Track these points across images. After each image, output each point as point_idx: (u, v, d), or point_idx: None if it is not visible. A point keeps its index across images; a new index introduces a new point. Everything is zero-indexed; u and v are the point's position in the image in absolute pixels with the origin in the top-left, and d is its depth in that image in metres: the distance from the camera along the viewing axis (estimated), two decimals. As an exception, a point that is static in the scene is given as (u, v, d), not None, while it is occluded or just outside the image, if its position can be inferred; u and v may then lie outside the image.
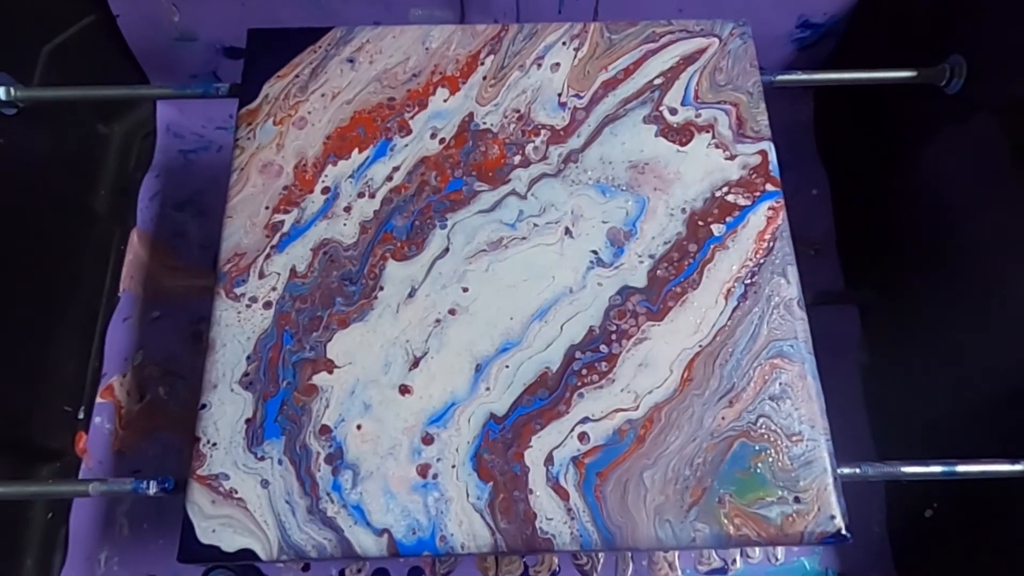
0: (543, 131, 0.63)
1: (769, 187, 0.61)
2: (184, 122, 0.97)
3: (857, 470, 0.55)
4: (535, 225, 0.59)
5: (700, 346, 0.55)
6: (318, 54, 0.65)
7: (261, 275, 0.58)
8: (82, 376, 0.84)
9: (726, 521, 0.51)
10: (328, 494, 0.51)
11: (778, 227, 0.59)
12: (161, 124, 0.96)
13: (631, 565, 0.76)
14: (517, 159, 0.62)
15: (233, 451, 0.52)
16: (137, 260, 0.90)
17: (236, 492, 0.51)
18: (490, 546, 0.50)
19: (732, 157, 0.62)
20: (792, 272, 0.58)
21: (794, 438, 0.53)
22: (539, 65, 0.65)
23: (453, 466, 0.52)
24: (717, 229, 0.59)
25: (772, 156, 0.62)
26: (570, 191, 0.61)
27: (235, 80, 0.66)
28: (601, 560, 0.77)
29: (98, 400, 0.83)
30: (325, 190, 0.60)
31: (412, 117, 0.63)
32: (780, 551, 0.77)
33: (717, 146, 0.62)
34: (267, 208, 0.60)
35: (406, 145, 0.62)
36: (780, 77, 0.69)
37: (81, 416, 0.82)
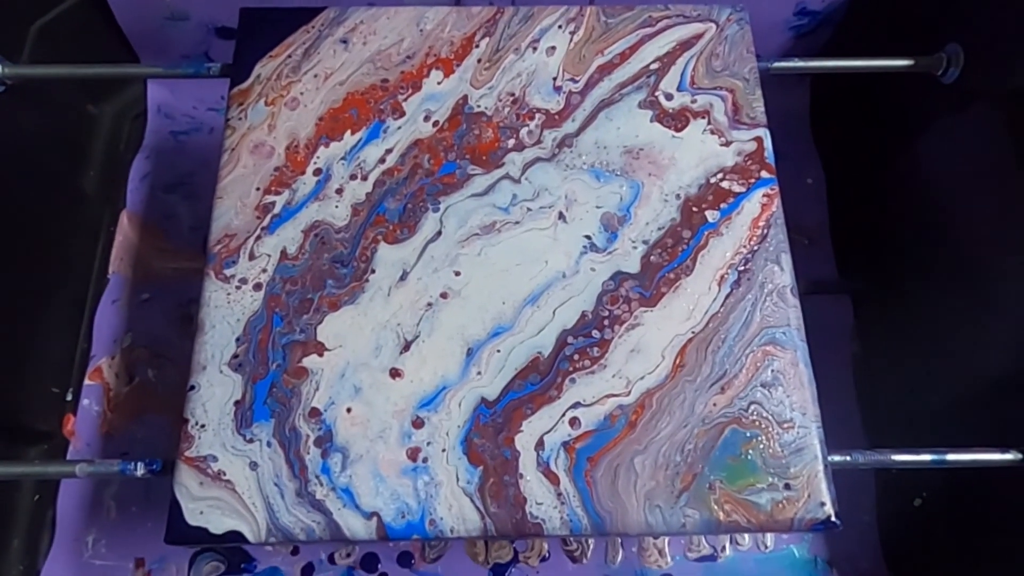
0: (538, 115, 0.62)
1: (764, 174, 0.60)
2: (175, 103, 0.96)
3: (847, 458, 0.55)
4: (528, 209, 0.59)
5: (692, 332, 0.55)
6: (311, 34, 0.65)
7: (251, 256, 0.57)
8: (70, 358, 0.83)
9: (716, 507, 0.51)
10: (317, 477, 0.51)
11: (772, 214, 0.59)
12: (152, 105, 0.95)
13: (621, 551, 0.77)
14: (511, 143, 0.61)
15: (222, 433, 0.52)
16: (126, 242, 0.89)
17: (224, 474, 0.51)
18: (480, 530, 0.50)
19: (727, 143, 0.61)
20: (786, 259, 0.58)
21: (785, 425, 0.53)
22: (534, 48, 0.65)
23: (443, 450, 0.52)
24: (711, 215, 0.59)
25: (768, 143, 0.61)
26: (564, 176, 0.60)
27: (227, 61, 0.65)
28: (591, 546, 0.77)
29: (86, 382, 0.82)
30: (317, 172, 0.60)
31: (406, 99, 0.62)
32: (769, 538, 0.77)
33: (712, 132, 0.62)
34: (258, 189, 0.59)
35: (399, 127, 0.61)
36: (777, 64, 0.68)
37: (69, 398, 0.82)
